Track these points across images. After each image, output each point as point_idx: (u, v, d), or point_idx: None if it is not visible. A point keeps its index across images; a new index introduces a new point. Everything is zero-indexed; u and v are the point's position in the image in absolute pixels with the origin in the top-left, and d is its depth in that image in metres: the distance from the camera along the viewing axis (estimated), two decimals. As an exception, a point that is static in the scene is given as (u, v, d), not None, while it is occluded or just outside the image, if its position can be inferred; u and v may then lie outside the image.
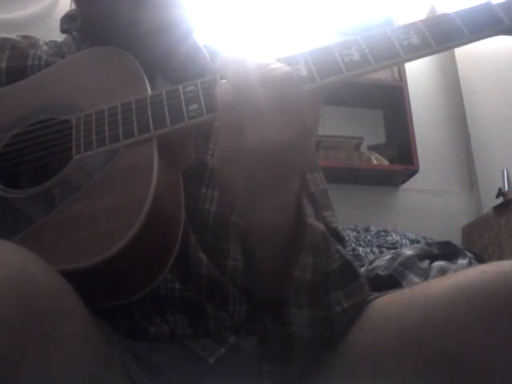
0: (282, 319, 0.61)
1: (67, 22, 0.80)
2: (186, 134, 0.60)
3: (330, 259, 0.64)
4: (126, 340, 0.64)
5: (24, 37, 0.83)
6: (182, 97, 0.58)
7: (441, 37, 0.56)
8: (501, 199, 2.24)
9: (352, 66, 0.56)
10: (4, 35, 0.81)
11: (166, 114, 0.57)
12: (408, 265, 1.65)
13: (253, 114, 0.51)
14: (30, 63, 0.77)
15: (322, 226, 0.66)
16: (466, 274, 0.59)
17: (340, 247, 0.68)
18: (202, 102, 0.57)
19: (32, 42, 0.81)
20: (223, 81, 0.55)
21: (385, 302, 0.66)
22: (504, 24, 0.56)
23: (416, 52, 0.56)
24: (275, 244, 0.60)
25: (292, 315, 0.60)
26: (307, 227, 0.60)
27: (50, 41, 0.83)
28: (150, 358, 0.64)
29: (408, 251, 1.72)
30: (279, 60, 0.57)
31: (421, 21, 0.57)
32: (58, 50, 0.79)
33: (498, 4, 0.57)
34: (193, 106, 0.57)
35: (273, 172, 0.53)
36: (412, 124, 2.50)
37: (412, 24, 0.58)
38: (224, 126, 0.53)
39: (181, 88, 0.58)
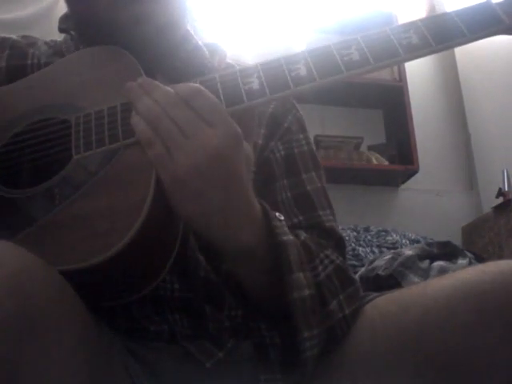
0: (296, 348, 0.59)
1: (65, 21, 0.80)
2: None
3: (318, 269, 0.63)
4: (126, 340, 0.64)
5: (23, 37, 0.83)
6: None
7: (440, 36, 0.56)
8: (501, 199, 2.24)
9: (351, 66, 0.55)
10: (3, 35, 0.81)
11: None
12: (408, 265, 1.65)
13: (177, 140, 0.51)
14: (29, 62, 0.77)
15: (302, 237, 0.64)
16: (464, 274, 0.59)
17: (328, 251, 0.67)
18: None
19: (31, 42, 0.81)
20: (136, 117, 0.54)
21: (384, 302, 0.66)
22: (504, 23, 0.56)
23: (415, 51, 0.56)
24: (255, 270, 0.59)
25: (306, 340, 0.58)
26: (285, 246, 0.58)
27: (51, 40, 0.83)
28: (149, 358, 0.64)
29: (408, 251, 1.72)
30: (278, 59, 0.57)
31: (420, 20, 0.57)
32: (57, 50, 0.79)
33: (498, 3, 0.57)
34: None
35: (219, 187, 0.51)
36: (412, 124, 2.50)
37: (411, 23, 0.57)
38: (153, 160, 0.52)
39: None
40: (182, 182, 0.51)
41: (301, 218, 0.71)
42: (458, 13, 0.57)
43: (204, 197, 0.51)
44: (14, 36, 0.82)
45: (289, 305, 0.57)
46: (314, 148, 0.79)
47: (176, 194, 0.52)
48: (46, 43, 0.82)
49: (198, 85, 0.54)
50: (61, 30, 0.80)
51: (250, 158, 0.54)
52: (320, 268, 0.64)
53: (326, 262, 0.65)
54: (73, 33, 0.79)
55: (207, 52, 0.79)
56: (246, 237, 0.56)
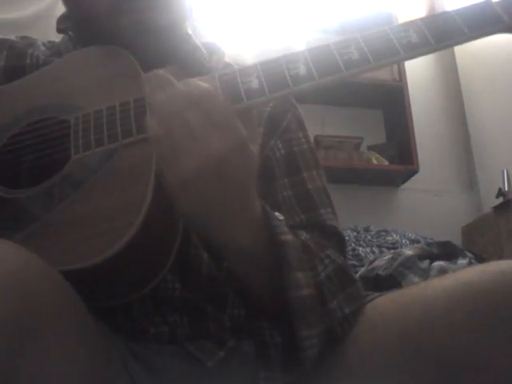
0: (295, 346, 0.59)
1: (63, 21, 0.80)
2: None
3: (318, 268, 0.63)
4: (126, 340, 0.64)
5: (22, 37, 0.83)
6: None
7: (440, 35, 0.56)
8: (501, 199, 2.24)
9: (351, 65, 0.55)
10: (1, 36, 0.81)
11: None
12: (408, 265, 1.65)
13: (186, 139, 0.50)
14: (28, 62, 0.77)
15: (302, 237, 0.64)
16: (464, 274, 0.59)
17: (329, 251, 0.67)
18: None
19: (30, 42, 0.81)
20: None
21: (384, 302, 0.66)
22: (503, 22, 0.56)
23: (415, 50, 0.56)
24: (255, 269, 0.59)
25: (305, 339, 0.59)
26: (284, 245, 0.58)
27: (49, 41, 0.83)
28: (149, 358, 0.64)
29: (408, 251, 1.72)
30: (278, 59, 0.57)
31: (420, 19, 0.57)
32: (55, 51, 0.79)
33: (498, 2, 0.57)
34: None
35: (222, 191, 0.51)
36: (412, 124, 2.50)
37: (411, 22, 0.57)
38: (161, 157, 0.52)
39: None
40: (185, 183, 0.50)
41: (302, 216, 0.71)
42: (458, 12, 0.57)
43: (205, 199, 0.51)
44: (12, 37, 0.82)
45: (288, 303, 0.58)
46: (314, 147, 0.79)
47: (178, 193, 0.52)
48: (44, 44, 0.82)
49: (210, 86, 0.53)
50: (59, 31, 0.80)
51: (256, 161, 0.54)
52: (320, 268, 0.63)
53: (327, 261, 0.65)
54: (71, 33, 0.79)
55: (205, 52, 0.79)
56: (246, 238, 0.56)
